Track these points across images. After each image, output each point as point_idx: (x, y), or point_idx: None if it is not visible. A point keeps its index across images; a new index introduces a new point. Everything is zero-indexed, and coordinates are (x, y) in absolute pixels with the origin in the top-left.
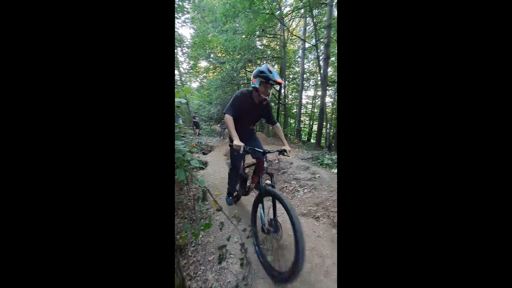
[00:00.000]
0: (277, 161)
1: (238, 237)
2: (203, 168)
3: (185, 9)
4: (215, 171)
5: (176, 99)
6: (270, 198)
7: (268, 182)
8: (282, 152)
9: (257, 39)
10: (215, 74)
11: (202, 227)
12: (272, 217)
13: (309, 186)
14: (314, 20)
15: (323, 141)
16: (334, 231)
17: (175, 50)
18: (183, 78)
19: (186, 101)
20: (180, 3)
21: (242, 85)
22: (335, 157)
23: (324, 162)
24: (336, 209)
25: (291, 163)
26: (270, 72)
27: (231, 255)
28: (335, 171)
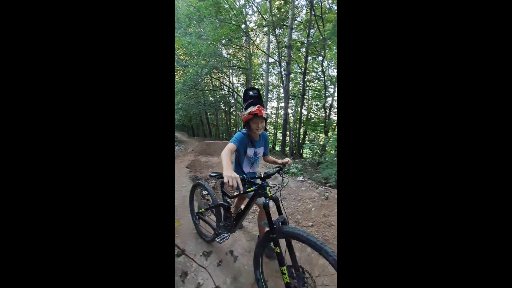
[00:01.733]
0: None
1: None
2: None
3: None
4: (175, 185)
5: None
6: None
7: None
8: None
9: (223, 47)
10: (177, 77)
11: None
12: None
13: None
14: (277, 39)
15: (288, 150)
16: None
17: None
18: None
19: None
20: None
21: (207, 92)
22: (299, 165)
23: (290, 170)
24: (305, 222)
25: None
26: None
27: None
28: (301, 178)
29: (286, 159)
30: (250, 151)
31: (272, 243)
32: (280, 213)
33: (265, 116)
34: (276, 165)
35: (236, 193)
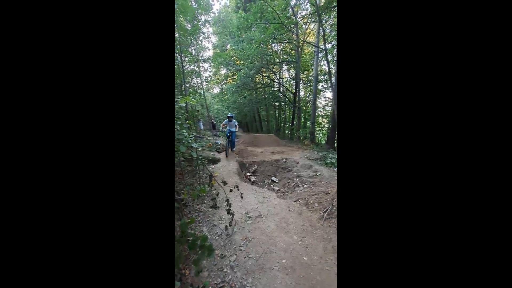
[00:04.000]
0: (284, 160)
1: (225, 196)
2: (216, 163)
3: (208, 22)
4: (224, 165)
5: (181, 104)
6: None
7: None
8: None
9: (274, 45)
10: (233, 80)
11: (200, 190)
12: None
13: (309, 182)
14: (322, 27)
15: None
16: (305, 207)
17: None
18: (204, 85)
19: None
20: (203, 18)
21: (258, 89)
22: (335, 155)
23: (327, 161)
24: (318, 198)
25: (298, 163)
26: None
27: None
28: (336, 169)
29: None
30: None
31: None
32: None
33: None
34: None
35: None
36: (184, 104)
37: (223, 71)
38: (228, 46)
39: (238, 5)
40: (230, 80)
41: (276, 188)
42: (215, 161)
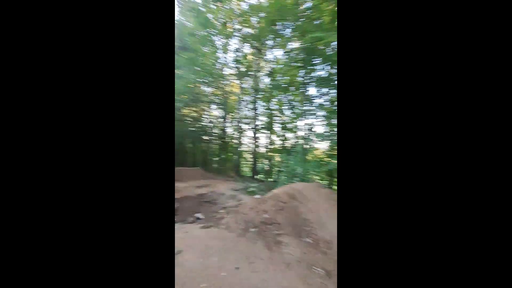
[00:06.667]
0: (209, 193)
1: None
2: None
3: None
4: None
5: None
6: None
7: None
8: None
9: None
10: None
11: None
12: None
13: (233, 211)
14: (241, 84)
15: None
16: (227, 232)
17: None
18: None
19: None
20: None
21: (185, 122)
22: (256, 184)
23: (249, 190)
24: (236, 220)
25: (223, 194)
26: None
27: None
28: (257, 196)
29: None
30: None
31: None
32: None
33: None
34: None
35: None
36: None
37: None
38: None
39: None
40: None
41: (201, 225)
42: None
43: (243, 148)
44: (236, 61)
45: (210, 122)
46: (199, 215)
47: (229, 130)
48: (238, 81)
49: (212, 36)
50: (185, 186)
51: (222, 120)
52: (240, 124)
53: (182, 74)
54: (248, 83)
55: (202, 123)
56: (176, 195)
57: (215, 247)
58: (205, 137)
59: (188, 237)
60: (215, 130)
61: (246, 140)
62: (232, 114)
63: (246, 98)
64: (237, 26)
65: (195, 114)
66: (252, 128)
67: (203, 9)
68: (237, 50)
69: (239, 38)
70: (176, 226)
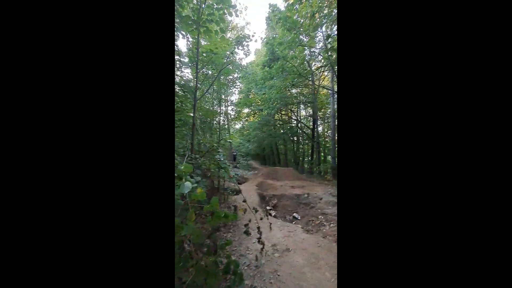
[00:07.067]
0: (306, 195)
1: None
2: (237, 194)
3: (239, 78)
4: (245, 196)
5: (228, 140)
6: None
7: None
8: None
9: (291, 88)
10: (254, 118)
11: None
12: None
13: (335, 221)
14: (334, 72)
15: None
16: (334, 244)
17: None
18: (230, 123)
19: (231, 141)
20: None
21: (277, 125)
22: None
23: None
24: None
25: (321, 199)
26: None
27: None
28: None
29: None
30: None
31: None
32: None
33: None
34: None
35: None
36: (231, 140)
37: (246, 110)
38: (252, 92)
39: (265, 64)
40: (251, 118)
41: (299, 226)
42: (237, 192)
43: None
44: (326, 50)
45: (300, 122)
46: (296, 215)
47: (321, 128)
48: (329, 72)
49: (299, 36)
50: (281, 185)
51: (311, 118)
52: (333, 120)
53: (273, 83)
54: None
55: (291, 124)
56: (275, 192)
57: (324, 257)
58: (294, 138)
59: (293, 238)
60: (305, 130)
61: None
62: (324, 110)
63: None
64: (326, 11)
65: (285, 117)
66: None
67: (289, 14)
68: (328, 36)
69: (330, 22)
70: (277, 222)
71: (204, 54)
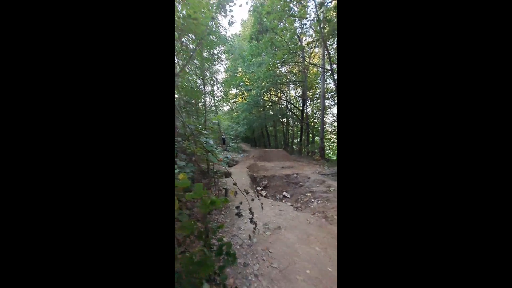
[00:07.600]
0: (295, 175)
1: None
2: (227, 176)
3: (225, 52)
4: (236, 178)
5: (214, 121)
6: None
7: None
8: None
9: (281, 67)
10: (243, 99)
11: (224, 200)
12: None
13: (323, 198)
14: (328, 50)
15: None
16: (324, 220)
17: (213, 83)
18: (217, 104)
19: (217, 122)
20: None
21: (267, 107)
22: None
23: None
24: (336, 212)
25: (309, 178)
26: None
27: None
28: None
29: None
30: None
31: None
32: None
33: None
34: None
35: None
36: (216, 121)
37: (234, 91)
38: (239, 69)
39: (252, 36)
40: (240, 99)
41: (289, 204)
42: (227, 175)
43: (327, 128)
44: (318, 21)
45: (289, 103)
46: (286, 193)
47: (310, 109)
48: (320, 49)
49: (289, 5)
50: (272, 166)
51: (300, 99)
52: (322, 101)
53: (262, 60)
54: (334, 45)
55: (281, 105)
56: (266, 173)
57: (313, 233)
58: (284, 120)
59: (284, 216)
60: (295, 112)
61: (331, 119)
62: (313, 90)
63: (330, 67)
64: None
65: (275, 98)
66: (336, 103)
67: None
68: (321, 5)
69: None
70: (268, 201)
71: (181, 21)
